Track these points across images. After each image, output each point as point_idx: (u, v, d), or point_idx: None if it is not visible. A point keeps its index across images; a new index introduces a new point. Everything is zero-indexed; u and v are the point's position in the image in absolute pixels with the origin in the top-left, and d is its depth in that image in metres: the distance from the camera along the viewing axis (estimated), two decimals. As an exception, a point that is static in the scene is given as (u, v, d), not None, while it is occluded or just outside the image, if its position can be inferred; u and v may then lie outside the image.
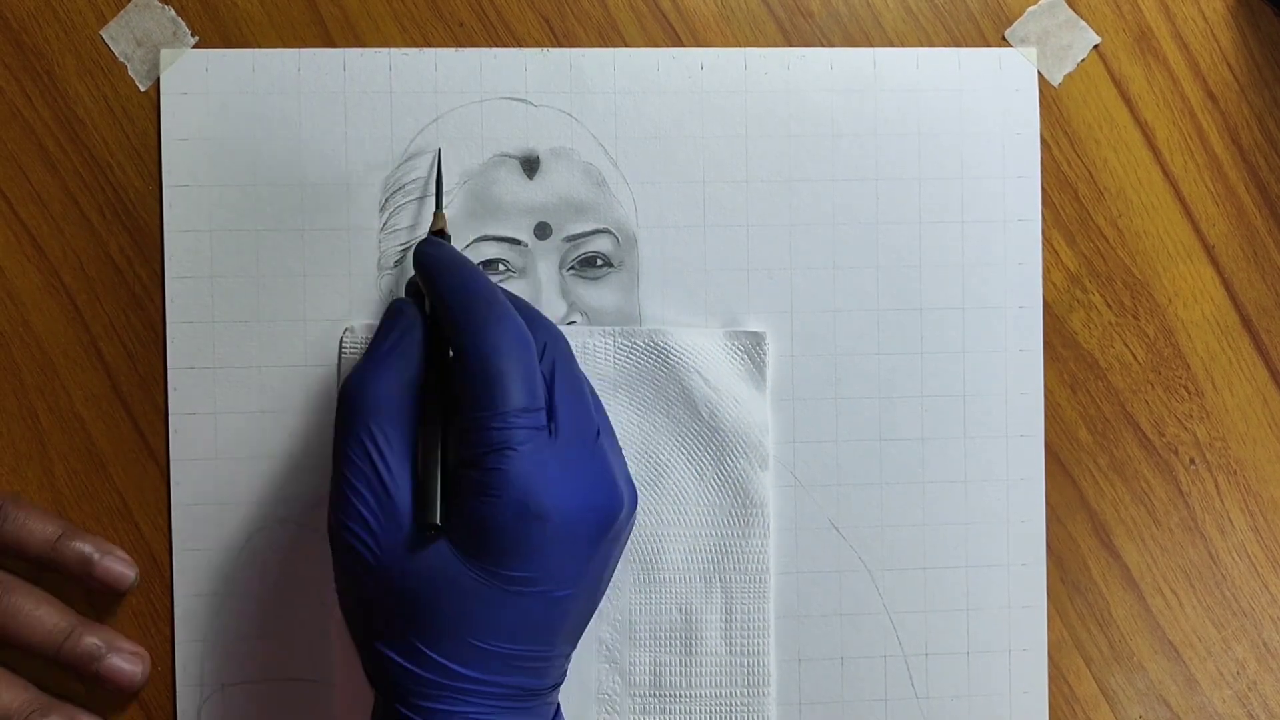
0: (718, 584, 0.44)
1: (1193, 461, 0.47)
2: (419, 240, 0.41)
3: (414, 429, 0.36)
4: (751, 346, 0.44)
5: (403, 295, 0.42)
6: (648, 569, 0.44)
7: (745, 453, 0.44)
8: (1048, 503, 0.46)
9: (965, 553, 0.46)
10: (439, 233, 0.42)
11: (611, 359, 0.44)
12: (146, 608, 0.44)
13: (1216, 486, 0.47)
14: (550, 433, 0.36)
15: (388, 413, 0.36)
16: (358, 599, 0.36)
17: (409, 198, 0.44)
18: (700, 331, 0.44)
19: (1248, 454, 0.47)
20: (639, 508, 0.43)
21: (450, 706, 0.34)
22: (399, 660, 0.35)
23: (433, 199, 0.44)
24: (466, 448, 0.35)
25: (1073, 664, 0.46)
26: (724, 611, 0.44)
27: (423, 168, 0.44)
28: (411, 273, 0.42)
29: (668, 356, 0.44)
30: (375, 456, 0.35)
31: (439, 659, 0.34)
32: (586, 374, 0.41)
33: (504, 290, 0.39)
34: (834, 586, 0.45)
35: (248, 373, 0.44)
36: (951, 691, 0.45)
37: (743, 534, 0.44)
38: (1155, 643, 0.47)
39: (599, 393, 0.43)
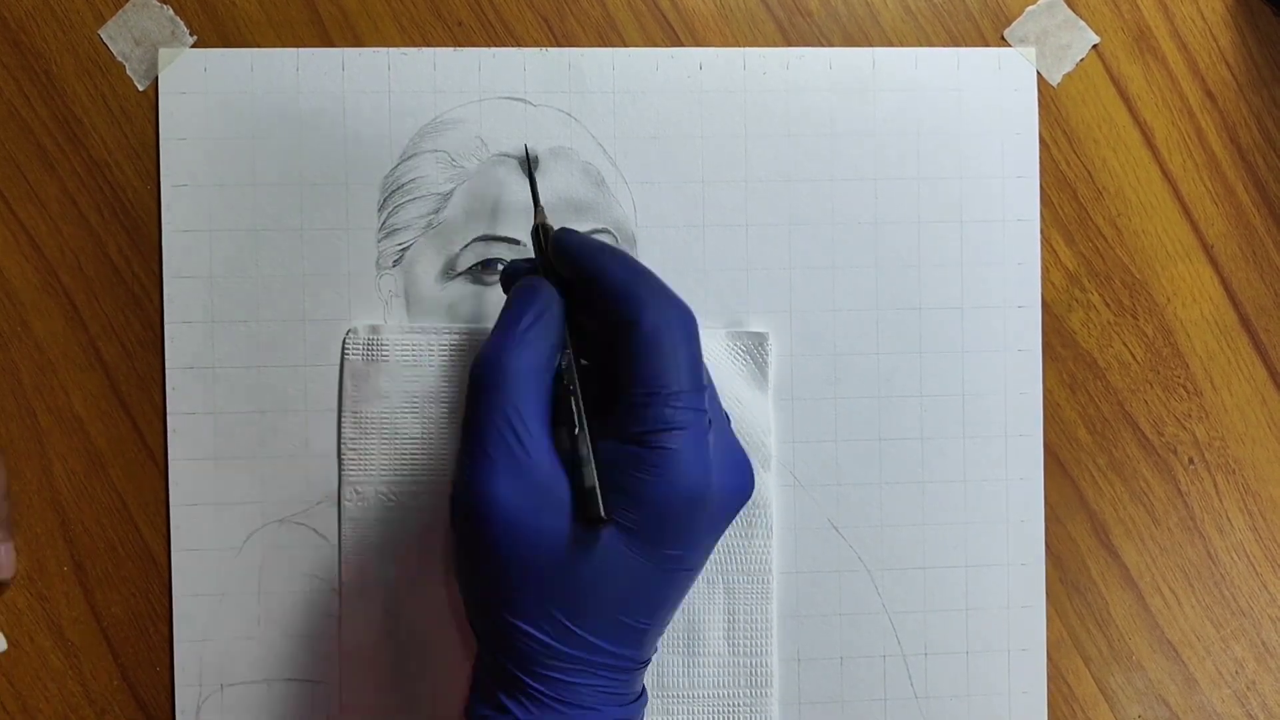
0: (720, 585, 0.44)
1: (1191, 461, 0.47)
2: (549, 228, 0.40)
3: (549, 407, 0.36)
4: (754, 347, 0.44)
5: (521, 276, 0.40)
6: None
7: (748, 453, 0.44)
8: (1047, 502, 0.46)
9: (964, 552, 0.46)
10: (543, 225, 0.41)
11: None
12: (146, 607, 0.44)
13: (1215, 486, 0.47)
14: (708, 416, 0.36)
15: (529, 390, 0.35)
16: (489, 570, 0.35)
17: (408, 197, 0.44)
18: (703, 332, 0.44)
19: (1246, 453, 0.47)
20: None
21: (583, 680, 0.35)
22: (535, 633, 0.35)
23: (430, 198, 0.44)
24: (634, 424, 0.35)
25: (1072, 663, 0.46)
26: (726, 612, 0.44)
27: (422, 168, 0.44)
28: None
29: None
30: (520, 431, 0.35)
31: (582, 633, 0.35)
32: None
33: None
34: (833, 586, 0.45)
35: (246, 373, 0.44)
36: (951, 691, 0.45)
37: (745, 535, 0.44)
38: (1154, 642, 0.47)
39: None
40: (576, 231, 0.39)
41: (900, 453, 0.45)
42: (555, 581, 0.35)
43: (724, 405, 0.43)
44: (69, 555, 0.44)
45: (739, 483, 0.37)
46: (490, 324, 0.39)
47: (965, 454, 0.46)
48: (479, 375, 0.36)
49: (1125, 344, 0.47)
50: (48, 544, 0.44)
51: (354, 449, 0.43)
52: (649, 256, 0.45)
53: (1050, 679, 0.46)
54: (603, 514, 0.34)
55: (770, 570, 0.44)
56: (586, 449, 0.35)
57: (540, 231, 0.40)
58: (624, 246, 0.45)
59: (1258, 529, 0.47)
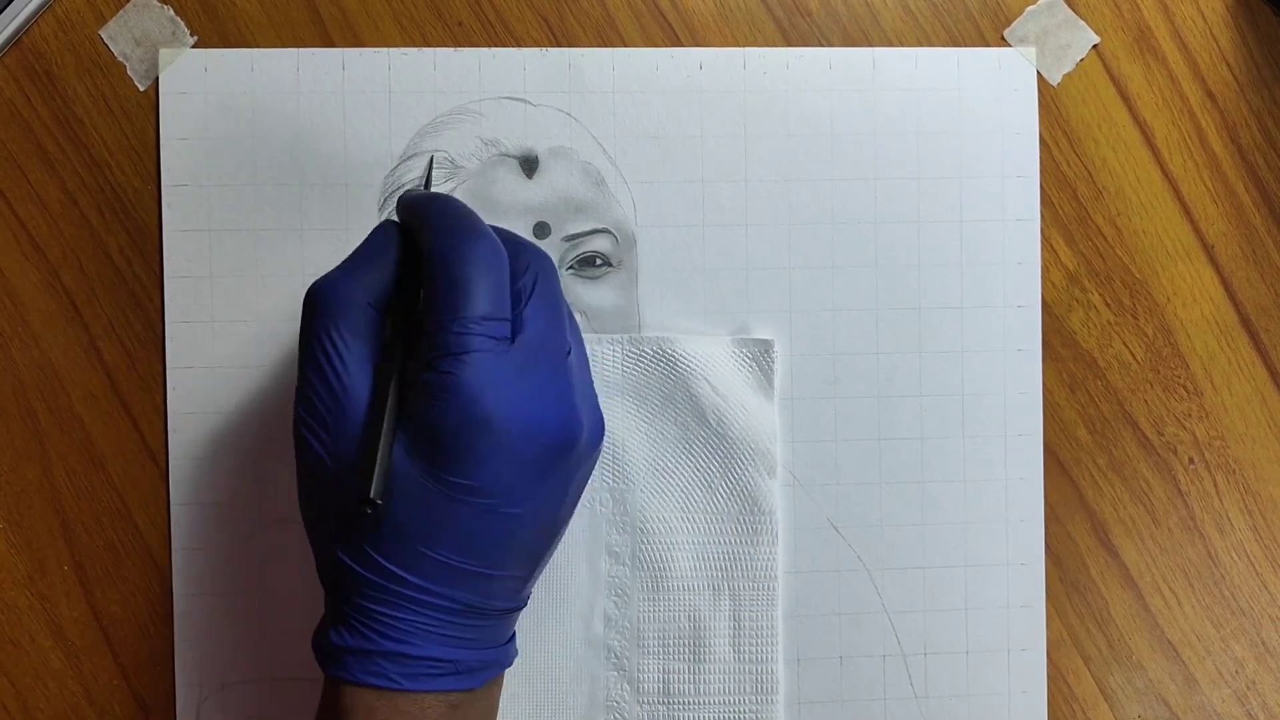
0: (726, 591, 0.44)
1: (1191, 461, 0.47)
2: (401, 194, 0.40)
3: (376, 341, 0.36)
4: (760, 354, 0.44)
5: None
6: (656, 576, 0.44)
7: (753, 460, 0.44)
8: (1046, 502, 0.46)
9: (964, 552, 0.46)
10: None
11: (619, 366, 0.44)
12: (146, 607, 0.44)
13: (1215, 486, 0.47)
14: (513, 345, 0.35)
15: (351, 317, 0.35)
16: (315, 499, 0.36)
17: (408, 197, 0.44)
18: (708, 339, 0.44)
19: (1246, 453, 0.47)
20: (641, 505, 0.43)
21: (393, 612, 0.34)
22: (349, 562, 0.35)
23: None
24: (425, 350, 0.35)
25: (1071, 663, 0.46)
26: (732, 618, 0.44)
27: (421, 168, 0.44)
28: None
29: (675, 364, 0.44)
30: (336, 359, 0.35)
31: (386, 563, 0.34)
32: (594, 381, 0.41)
33: (496, 227, 0.38)
34: (833, 586, 0.45)
35: (246, 372, 0.44)
36: (950, 691, 0.45)
37: (751, 541, 0.44)
38: (1154, 642, 0.47)
39: (606, 400, 0.43)
40: (414, 192, 0.39)
41: (900, 452, 0.45)
42: (356, 508, 0.34)
43: (729, 412, 0.43)
44: (69, 555, 0.44)
45: (552, 418, 0.35)
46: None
47: (965, 454, 0.46)
48: (306, 300, 0.36)
49: (1125, 344, 0.47)
50: (48, 544, 0.44)
51: None
52: (649, 256, 0.45)
53: (1050, 679, 0.46)
54: (372, 495, 0.33)
55: (775, 577, 0.44)
56: (390, 416, 0.34)
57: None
58: (624, 246, 0.45)
59: (1258, 529, 0.47)
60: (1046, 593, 0.46)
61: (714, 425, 0.44)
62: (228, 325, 0.44)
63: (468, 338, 0.34)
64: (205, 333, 0.44)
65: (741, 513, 0.44)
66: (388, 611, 0.35)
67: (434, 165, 0.44)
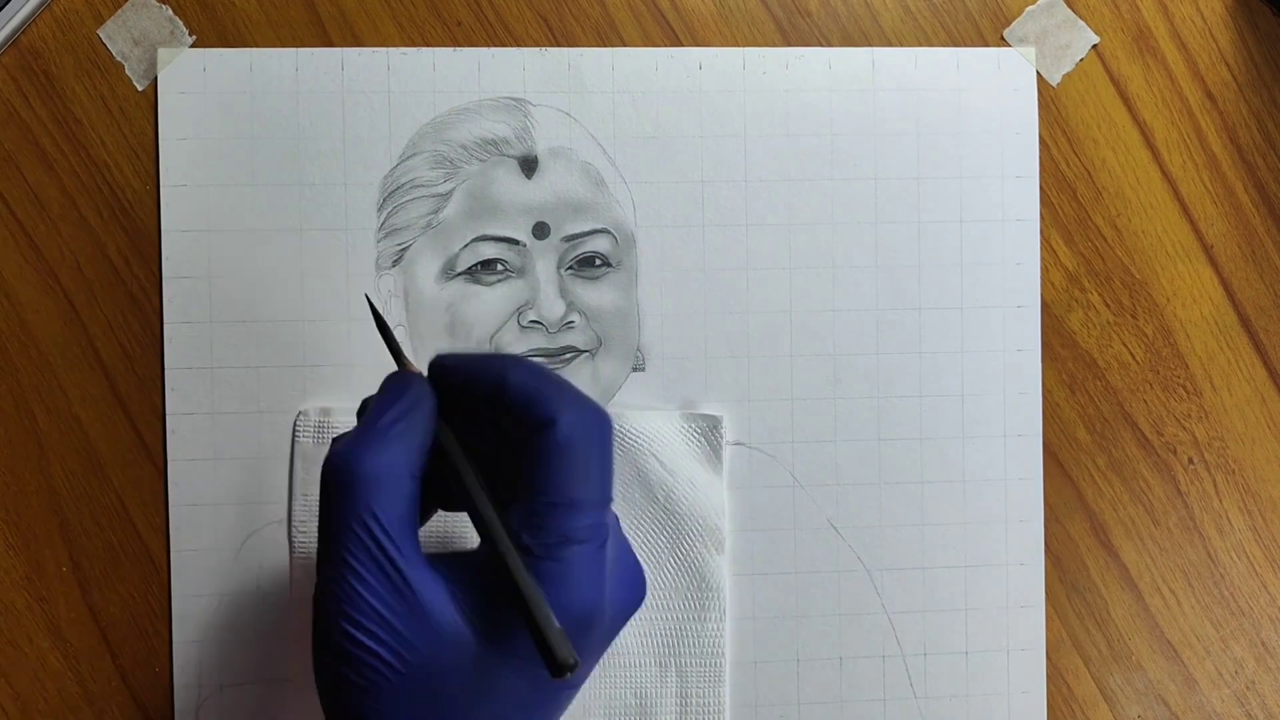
0: (673, 668, 0.44)
1: (1191, 461, 0.47)
2: (429, 361, 0.35)
3: (416, 518, 0.32)
4: (708, 429, 0.44)
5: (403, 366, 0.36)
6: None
7: (701, 536, 0.44)
8: (1046, 502, 0.46)
9: (963, 552, 0.46)
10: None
11: None
12: (144, 608, 0.44)
13: (1215, 486, 0.47)
14: (609, 532, 0.33)
15: (396, 494, 0.31)
16: (350, 688, 0.30)
17: (407, 198, 0.44)
18: (656, 414, 0.44)
19: (1246, 454, 0.47)
20: None
21: None
22: None
23: (429, 198, 0.44)
24: (530, 534, 0.31)
25: (1071, 664, 0.46)
26: (679, 696, 0.44)
27: (422, 168, 0.44)
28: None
29: (623, 439, 0.44)
30: (385, 543, 0.30)
31: None
32: None
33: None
34: (832, 586, 0.45)
35: (245, 373, 0.44)
36: (950, 691, 0.45)
37: (699, 618, 0.44)
38: (1154, 642, 0.47)
39: None
40: (452, 353, 0.35)
41: (900, 453, 0.45)
42: (426, 707, 0.30)
43: (677, 488, 0.42)
44: (68, 556, 0.44)
45: (630, 596, 0.34)
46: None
47: (964, 454, 0.46)
48: (326, 476, 0.31)
49: (1125, 344, 0.47)
50: (46, 544, 0.44)
51: (303, 530, 0.43)
52: (648, 256, 0.45)
53: (1050, 679, 0.46)
54: (571, 660, 0.29)
55: (723, 654, 0.44)
56: (524, 577, 0.30)
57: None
58: (623, 246, 0.45)
59: (1257, 529, 0.47)
60: (1046, 593, 0.46)
61: (661, 501, 0.44)
62: (226, 326, 0.44)
63: (584, 528, 0.31)
64: (204, 333, 0.44)
65: (689, 589, 0.44)
66: None
67: (434, 166, 0.44)
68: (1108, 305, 0.47)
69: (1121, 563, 0.47)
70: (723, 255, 0.45)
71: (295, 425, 0.43)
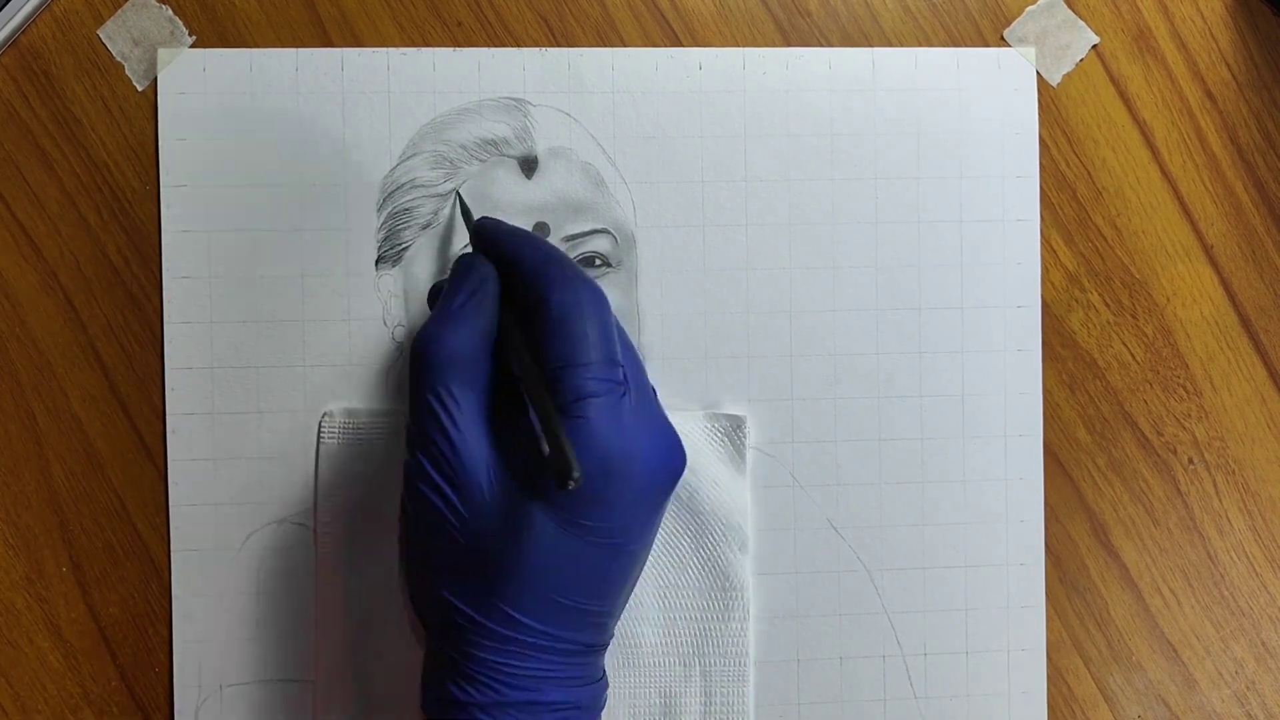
0: (697, 668, 0.44)
1: (1191, 461, 0.47)
2: (476, 219, 0.41)
3: (486, 384, 0.37)
4: (732, 430, 0.44)
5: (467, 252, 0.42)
6: (627, 651, 0.43)
7: (725, 536, 0.44)
8: (1046, 502, 0.46)
9: (964, 552, 0.46)
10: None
11: None
12: (144, 608, 0.44)
13: (1215, 486, 0.47)
14: (625, 388, 0.36)
15: (463, 368, 0.36)
16: (428, 550, 0.36)
17: (407, 198, 0.44)
18: (679, 414, 0.43)
19: (1246, 454, 0.47)
20: None
21: (516, 661, 0.35)
22: (469, 611, 0.35)
23: (429, 198, 0.44)
24: (551, 396, 0.35)
25: (1071, 664, 0.46)
26: (703, 695, 0.44)
27: (421, 168, 0.44)
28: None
29: None
30: (451, 406, 0.35)
31: (513, 613, 0.35)
32: None
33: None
34: (832, 586, 0.45)
35: (245, 373, 0.44)
36: (950, 691, 0.45)
37: (722, 618, 0.44)
38: (1154, 642, 0.47)
39: None
40: (497, 219, 0.41)
41: (900, 453, 0.45)
42: (480, 557, 0.35)
43: (701, 488, 0.43)
44: (67, 556, 0.44)
45: (663, 454, 0.37)
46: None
47: (965, 454, 0.46)
48: (414, 354, 0.36)
49: (1125, 344, 0.47)
50: (46, 544, 0.44)
51: (328, 533, 0.43)
52: (649, 256, 0.45)
53: (1050, 679, 0.46)
54: (574, 472, 0.32)
55: (747, 654, 0.44)
56: (554, 412, 0.34)
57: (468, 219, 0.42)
58: (623, 246, 0.45)
59: (1257, 529, 0.47)
60: (1046, 593, 0.46)
61: (685, 500, 0.44)
62: (226, 326, 0.44)
63: (595, 382, 0.35)
64: (204, 333, 0.44)
65: (713, 589, 0.44)
66: (515, 662, 0.35)
67: (434, 166, 0.44)
68: (1108, 305, 0.47)
69: (1121, 563, 0.47)
70: (723, 255, 0.45)
71: (320, 426, 0.43)
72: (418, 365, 0.36)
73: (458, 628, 0.35)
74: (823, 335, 0.45)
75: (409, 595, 0.38)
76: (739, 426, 0.44)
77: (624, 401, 0.36)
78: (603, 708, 0.38)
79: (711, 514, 0.44)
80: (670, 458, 0.37)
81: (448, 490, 0.35)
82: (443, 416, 0.35)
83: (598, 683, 0.38)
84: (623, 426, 0.35)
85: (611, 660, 0.43)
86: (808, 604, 0.45)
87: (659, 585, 0.44)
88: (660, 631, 0.44)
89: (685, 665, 0.44)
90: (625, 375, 0.36)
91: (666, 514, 0.43)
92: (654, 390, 0.40)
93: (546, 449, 0.33)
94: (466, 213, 0.43)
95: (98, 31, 0.44)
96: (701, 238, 0.45)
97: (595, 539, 0.35)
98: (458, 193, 0.44)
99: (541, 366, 0.35)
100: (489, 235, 0.39)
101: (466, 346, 0.36)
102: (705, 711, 0.44)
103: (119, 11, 0.44)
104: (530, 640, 0.35)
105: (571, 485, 0.32)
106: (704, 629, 0.44)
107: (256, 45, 0.44)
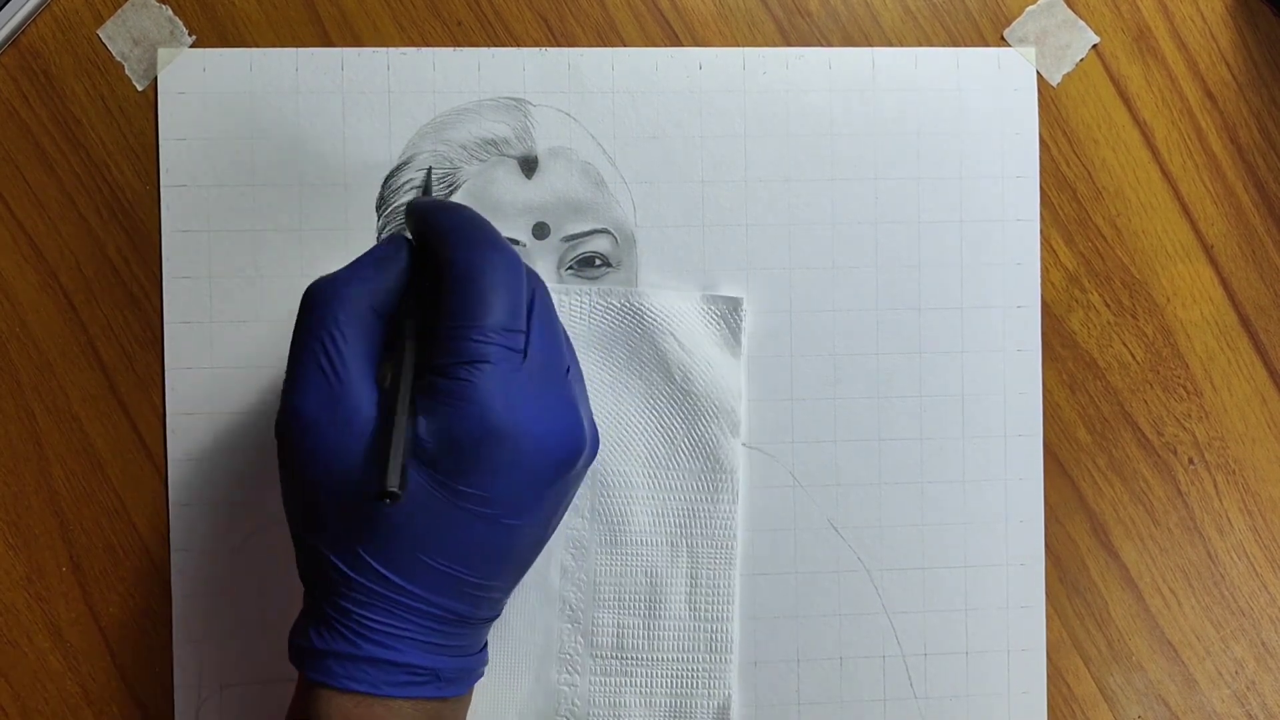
0: (684, 548, 0.44)
1: (1191, 461, 0.47)
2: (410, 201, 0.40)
3: (378, 343, 0.36)
4: (728, 311, 0.44)
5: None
6: (614, 531, 0.44)
7: (716, 418, 0.44)
8: (1046, 503, 0.46)
9: (964, 553, 0.46)
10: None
11: (587, 318, 0.44)
12: (144, 609, 0.44)
13: (1215, 486, 0.47)
14: (524, 358, 0.35)
15: (353, 318, 0.35)
16: (302, 494, 0.35)
17: (407, 197, 0.44)
18: (676, 294, 0.44)
19: (1246, 454, 0.47)
20: (602, 459, 0.43)
21: (381, 617, 0.34)
22: (337, 562, 0.34)
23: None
24: (441, 356, 0.34)
25: (1071, 664, 0.46)
26: (689, 576, 0.44)
27: (420, 169, 0.44)
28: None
29: (643, 318, 0.44)
30: (336, 356, 0.34)
31: (379, 568, 0.34)
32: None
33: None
34: (832, 586, 0.45)
35: (245, 373, 0.44)
36: (950, 691, 0.45)
37: (711, 499, 0.44)
38: (1154, 642, 0.47)
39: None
40: (420, 199, 0.39)
41: (900, 453, 0.45)
42: (350, 509, 0.34)
43: (695, 369, 0.43)
44: (67, 556, 0.44)
45: (560, 434, 0.35)
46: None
47: (964, 454, 0.46)
48: (305, 298, 0.36)
49: (1125, 344, 0.47)
50: (46, 544, 0.44)
51: None
52: (649, 256, 0.45)
53: (1050, 679, 0.46)
54: (390, 487, 0.32)
55: (734, 535, 0.44)
56: (403, 411, 0.34)
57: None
58: (623, 246, 0.45)
59: (1258, 529, 0.47)
60: (1046, 593, 0.46)
61: (679, 381, 0.44)
62: (226, 326, 0.44)
63: (487, 347, 0.34)
64: (204, 333, 0.44)
65: (703, 470, 0.44)
66: (375, 616, 0.34)
67: (434, 168, 0.44)
68: (1108, 305, 0.46)
69: (1122, 563, 0.47)
70: (723, 255, 0.45)
71: None
72: (306, 308, 0.35)
73: (329, 580, 0.35)
74: (822, 335, 0.45)
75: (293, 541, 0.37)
76: (735, 309, 0.44)
77: (519, 372, 0.34)
78: (472, 683, 0.37)
79: (704, 395, 0.44)
80: (569, 439, 0.36)
81: (318, 431, 0.34)
82: (327, 356, 0.34)
83: (471, 656, 0.37)
84: (511, 396, 0.34)
85: (599, 539, 0.44)
86: (808, 604, 0.45)
87: (649, 465, 0.44)
88: (648, 511, 0.44)
89: (673, 546, 0.44)
90: (526, 345, 0.35)
91: (660, 393, 0.44)
92: (580, 375, 0.39)
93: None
94: (427, 190, 0.43)
95: (98, 31, 0.44)
96: (702, 237, 0.45)
97: (469, 505, 0.34)
98: (430, 169, 0.44)
99: (440, 326, 0.34)
100: (415, 211, 0.38)
101: (361, 298, 0.35)
102: (691, 592, 0.44)
103: (119, 11, 0.44)
104: (396, 598, 0.34)
105: (389, 503, 0.32)
106: (692, 510, 0.44)
107: (256, 45, 0.44)
